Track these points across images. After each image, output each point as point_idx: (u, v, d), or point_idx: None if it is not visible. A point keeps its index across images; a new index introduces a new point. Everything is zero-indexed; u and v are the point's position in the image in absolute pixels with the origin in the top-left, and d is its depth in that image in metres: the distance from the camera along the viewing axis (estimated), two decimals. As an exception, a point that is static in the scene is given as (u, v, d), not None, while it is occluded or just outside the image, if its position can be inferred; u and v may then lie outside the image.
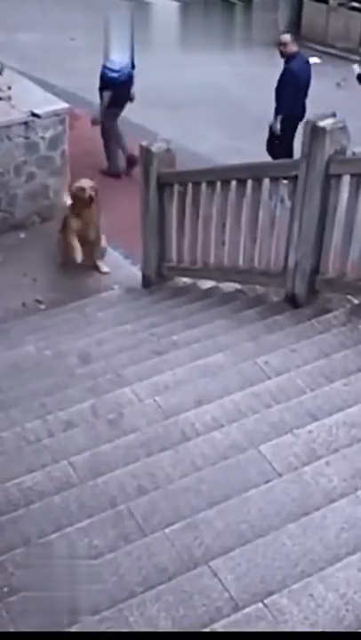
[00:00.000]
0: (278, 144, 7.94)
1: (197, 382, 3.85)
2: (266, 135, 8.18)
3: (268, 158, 4.93)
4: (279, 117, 7.93)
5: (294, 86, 7.88)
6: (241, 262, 5.13)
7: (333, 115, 4.26)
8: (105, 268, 6.78)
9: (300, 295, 4.61)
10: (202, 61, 12.17)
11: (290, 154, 7.59)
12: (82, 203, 6.46)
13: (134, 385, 3.95)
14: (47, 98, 7.74)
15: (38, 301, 6.39)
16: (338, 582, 2.28)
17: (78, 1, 14.61)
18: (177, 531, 2.69)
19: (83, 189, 6.42)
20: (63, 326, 5.50)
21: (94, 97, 10.68)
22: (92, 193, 6.41)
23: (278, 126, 7.95)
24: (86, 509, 2.98)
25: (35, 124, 7.31)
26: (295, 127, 7.36)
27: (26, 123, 7.26)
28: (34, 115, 7.30)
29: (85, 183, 6.47)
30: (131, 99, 8.68)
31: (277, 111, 7.95)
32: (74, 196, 6.53)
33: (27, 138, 7.32)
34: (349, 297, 4.46)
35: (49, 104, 7.54)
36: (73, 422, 3.69)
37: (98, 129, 8.78)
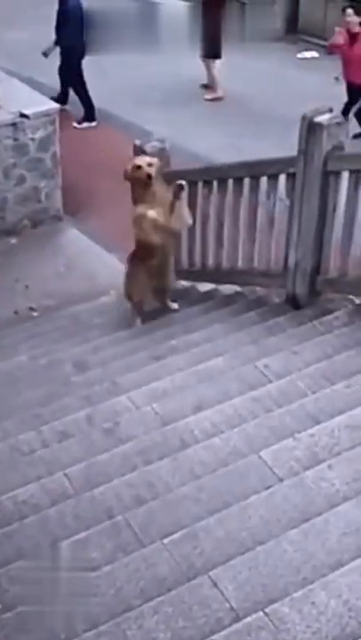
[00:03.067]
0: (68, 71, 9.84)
1: (196, 388, 3.90)
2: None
3: (266, 155, 5.01)
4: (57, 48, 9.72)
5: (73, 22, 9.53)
6: (240, 263, 5.18)
7: (330, 110, 4.31)
8: (175, 305, 5.54)
9: (302, 296, 4.66)
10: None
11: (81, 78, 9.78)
12: (141, 185, 5.03)
13: (131, 392, 4.00)
14: (36, 97, 7.82)
15: (31, 309, 6.44)
16: (340, 588, 2.32)
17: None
18: (176, 540, 2.73)
19: (138, 167, 5.00)
20: (57, 333, 5.55)
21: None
22: (151, 170, 4.99)
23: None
24: (82, 521, 3.02)
25: (24, 125, 7.38)
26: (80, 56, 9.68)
27: (14, 124, 7.33)
28: (23, 115, 7.36)
29: (140, 160, 5.07)
30: None
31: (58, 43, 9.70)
32: (131, 179, 5.11)
33: (15, 139, 7.39)
34: (351, 297, 4.50)
35: (38, 104, 7.62)
36: (68, 432, 3.74)
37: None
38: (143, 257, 5.24)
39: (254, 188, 4.87)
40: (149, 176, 4.97)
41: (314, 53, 12.72)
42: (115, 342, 5.05)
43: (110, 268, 6.98)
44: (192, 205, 5.47)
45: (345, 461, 2.94)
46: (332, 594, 2.31)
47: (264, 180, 4.79)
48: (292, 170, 4.48)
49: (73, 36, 9.51)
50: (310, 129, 4.26)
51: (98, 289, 6.61)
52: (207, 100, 10.74)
